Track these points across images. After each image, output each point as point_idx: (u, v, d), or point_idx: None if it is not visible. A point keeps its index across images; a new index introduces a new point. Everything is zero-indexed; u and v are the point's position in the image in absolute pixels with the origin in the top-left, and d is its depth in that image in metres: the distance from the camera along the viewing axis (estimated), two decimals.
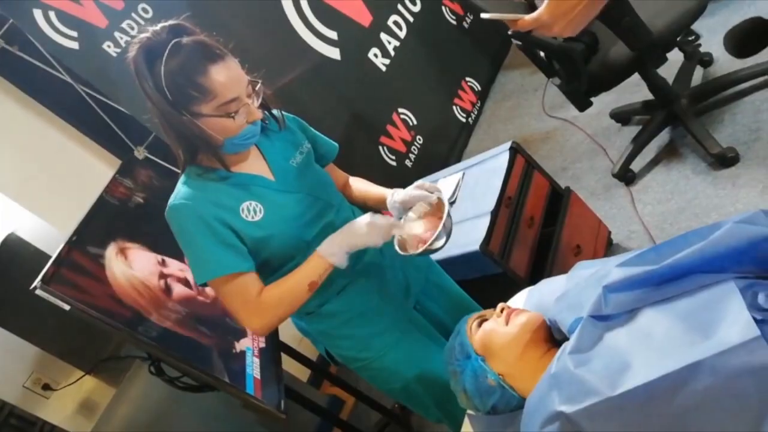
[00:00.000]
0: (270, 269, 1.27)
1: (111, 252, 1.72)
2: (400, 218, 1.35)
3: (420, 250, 1.23)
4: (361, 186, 1.54)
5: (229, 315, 1.22)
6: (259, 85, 1.19)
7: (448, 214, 1.25)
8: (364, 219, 1.24)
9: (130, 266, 1.74)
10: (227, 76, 1.13)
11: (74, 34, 2.08)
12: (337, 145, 1.50)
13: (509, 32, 1.83)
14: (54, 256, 1.42)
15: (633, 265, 0.90)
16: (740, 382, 0.71)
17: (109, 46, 2.15)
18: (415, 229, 1.28)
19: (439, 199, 1.30)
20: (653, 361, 0.78)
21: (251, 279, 1.20)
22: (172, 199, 1.21)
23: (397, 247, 1.27)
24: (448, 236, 1.27)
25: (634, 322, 0.86)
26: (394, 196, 1.39)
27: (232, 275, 1.18)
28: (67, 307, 1.20)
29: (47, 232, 2.35)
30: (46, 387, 2.29)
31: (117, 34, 2.18)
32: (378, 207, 1.44)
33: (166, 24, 1.14)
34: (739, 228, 0.82)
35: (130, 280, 1.62)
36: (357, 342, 1.38)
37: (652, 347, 0.80)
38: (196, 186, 1.21)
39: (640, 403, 0.76)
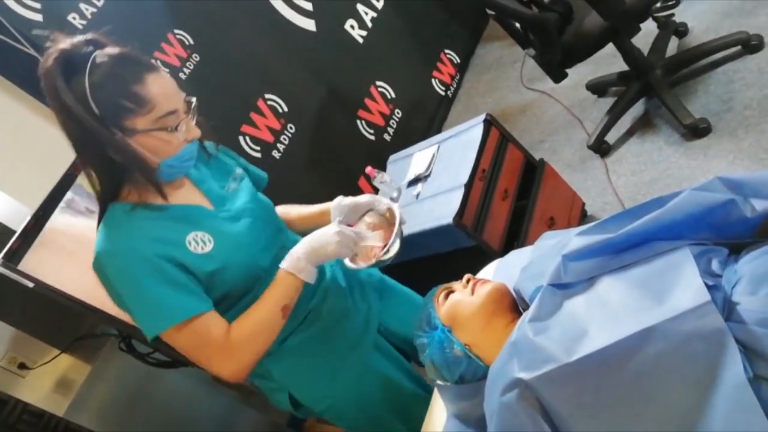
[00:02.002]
0: (227, 305, 1.14)
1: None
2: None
3: (372, 261, 1.18)
4: (293, 210, 1.42)
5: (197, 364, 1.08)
6: (194, 104, 1.09)
7: (400, 224, 1.20)
8: (331, 228, 1.14)
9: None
10: (164, 86, 1.03)
11: (37, 5, 2.03)
12: (266, 175, 1.39)
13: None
14: (18, 231, 1.40)
15: (592, 233, 0.90)
16: (691, 346, 0.72)
17: (74, 18, 2.09)
18: (370, 240, 1.21)
19: (390, 209, 1.25)
20: (608, 328, 0.79)
21: (213, 319, 1.06)
22: (101, 246, 1.04)
23: (347, 261, 1.21)
24: (401, 246, 1.21)
25: (592, 290, 0.86)
26: (341, 201, 1.30)
27: (190, 320, 1.03)
28: (30, 285, 1.18)
29: (16, 210, 2.30)
30: (22, 366, 2.26)
31: (82, 5, 2.12)
32: (320, 225, 1.27)
33: (84, 37, 1.02)
34: (696, 195, 0.83)
35: None
36: (323, 376, 1.27)
37: (608, 314, 0.81)
38: (125, 225, 1.05)
39: (594, 369, 0.77)
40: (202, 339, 1.05)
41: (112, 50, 1.02)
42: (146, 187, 1.09)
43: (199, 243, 1.08)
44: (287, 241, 1.25)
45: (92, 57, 0.99)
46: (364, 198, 1.28)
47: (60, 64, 0.97)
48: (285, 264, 1.12)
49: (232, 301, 1.14)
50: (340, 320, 1.29)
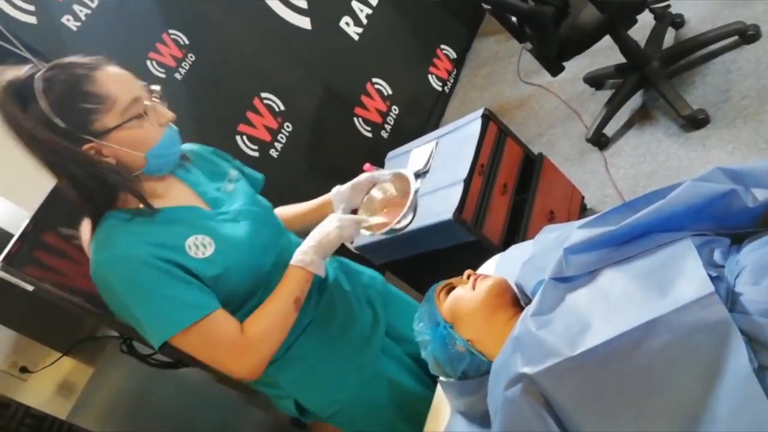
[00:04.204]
0: (231, 309, 1.09)
1: (86, 228, 1.69)
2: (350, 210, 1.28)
3: (385, 229, 1.19)
4: (291, 208, 1.41)
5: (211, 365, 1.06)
6: (158, 90, 1.06)
7: (415, 192, 1.20)
8: (332, 218, 1.15)
9: None
10: (116, 77, 1.01)
11: (31, 8, 2.02)
12: (262, 176, 1.37)
13: None
14: (17, 234, 1.39)
15: (594, 226, 0.90)
16: (695, 337, 0.72)
17: (68, 20, 2.08)
18: (374, 220, 1.22)
19: (402, 175, 1.24)
20: (611, 321, 0.78)
21: (224, 316, 1.04)
22: (100, 254, 1.00)
23: (364, 231, 1.20)
24: (414, 213, 1.22)
25: (594, 283, 0.86)
26: (340, 188, 1.29)
27: (200, 320, 1.00)
28: (30, 288, 1.17)
29: (16, 214, 2.30)
30: (24, 370, 2.27)
31: (76, 7, 2.11)
32: (323, 216, 1.28)
33: (18, 71, 0.99)
34: (697, 186, 0.82)
35: None
36: (330, 383, 1.24)
37: (610, 307, 0.81)
38: (123, 232, 1.02)
39: (598, 362, 0.77)
40: (217, 337, 1.02)
41: (47, 65, 0.99)
42: (162, 187, 1.08)
43: (200, 247, 1.05)
44: (289, 243, 1.24)
45: (37, 78, 0.97)
46: (362, 177, 1.26)
47: (11, 97, 0.95)
48: (294, 260, 1.12)
49: (235, 305, 1.12)
50: (346, 326, 1.27)
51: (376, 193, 1.29)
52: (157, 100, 1.06)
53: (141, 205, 1.05)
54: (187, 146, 1.22)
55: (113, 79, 1.00)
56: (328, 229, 1.14)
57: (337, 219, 1.15)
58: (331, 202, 1.30)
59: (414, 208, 1.22)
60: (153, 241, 1.02)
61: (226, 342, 1.02)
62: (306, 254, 1.11)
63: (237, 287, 1.10)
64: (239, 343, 1.03)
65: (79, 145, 0.97)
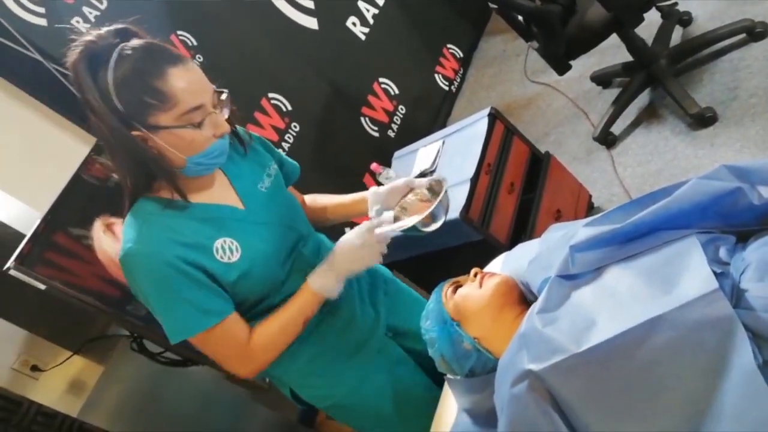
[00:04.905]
0: (241, 311, 1.12)
1: (98, 229, 1.71)
2: (385, 211, 1.24)
3: (411, 224, 1.13)
4: (327, 200, 1.39)
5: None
6: (225, 95, 1.04)
7: (445, 192, 1.17)
8: (354, 240, 1.11)
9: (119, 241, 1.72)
10: (189, 79, 0.98)
11: (41, 10, 2.03)
12: (298, 165, 1.38)
13: None
14: (29, 234, 1.41)
15: (599, 224, 0.90)
16: (700, 334, 0.72)
17: (78, 21, 2.10)
18: (399, 223, 1.17)
19: (439, 181, 1.20)
20: (617, 318, 0.79)
21: (236, 322, 1.08)
22: (127, 244, 1.01)
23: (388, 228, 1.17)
24: (446, 214, 1.19)
25: (600, 280, 0.86)
26: (377, 189, 1.27)
27: (217, 325, 1.04)
28: (42, 287, 1.19)
29: (28, 215, 2.33)
30: (35, 368, 2.28)
31: (86, 9, 2.13)
32: (356, 213, 1.30)
33: (112, 27, 0.99)
34: (702, 184, 0.82)
35: (106, 255, 1.61)
36: (329, 379, 1.26)
37: (616, 304, 0.81)
38: (155, 224, 1.03)
39: (604, 359, 0.77)
40: (227, 342, 1.07)
41: (137, 42, 0.99)
42: (200, 182, 1.08)
43: (227, 252, 1.06)
44: (305, 248, 1.23)
45: (117, 50, 0.96)
46: (400, 181, 1.25)
47: (85, 58, 0.95)
48: (314, 283, 1.12)
49: (246, 307, 1.14)
50: (346, 326, 1.27)
51: (411, 198, 1.27)
52: (218, 110, 1.03)
53: (174, 195, 1.05)
54: (240, 131, 1.20)
55: (185, 80, 0.98)
56: (352, 252, 1.11)
57: (361, 245, 1.10)
58: (366, 200, 1.29)
59: (445, 209, 1.19)
60: (183, 240, 1.03)
61: (233, 348, 1.08)
62: (324, 278, 1.12)
63: (251, 293, 1.12)
64: (245, 351, 1.08)
65: (128, 129, 0.97)
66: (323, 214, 1.37)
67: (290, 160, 1.36)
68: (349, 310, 1.28)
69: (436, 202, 1.14)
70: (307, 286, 1.13)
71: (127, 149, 0.99)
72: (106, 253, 1.58)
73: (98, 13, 2.16)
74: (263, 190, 1.18)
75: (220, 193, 1.13)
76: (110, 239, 1.64)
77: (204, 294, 1.03)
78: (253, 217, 1.13)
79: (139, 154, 0.99)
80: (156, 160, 1.01)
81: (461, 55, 3.38)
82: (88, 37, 0.97)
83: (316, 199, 1.40)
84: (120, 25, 1.01)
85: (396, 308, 1.39)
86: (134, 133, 0.98)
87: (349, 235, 1.12)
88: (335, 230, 1.47)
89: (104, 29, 0.99)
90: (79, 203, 1.70)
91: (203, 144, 1.02)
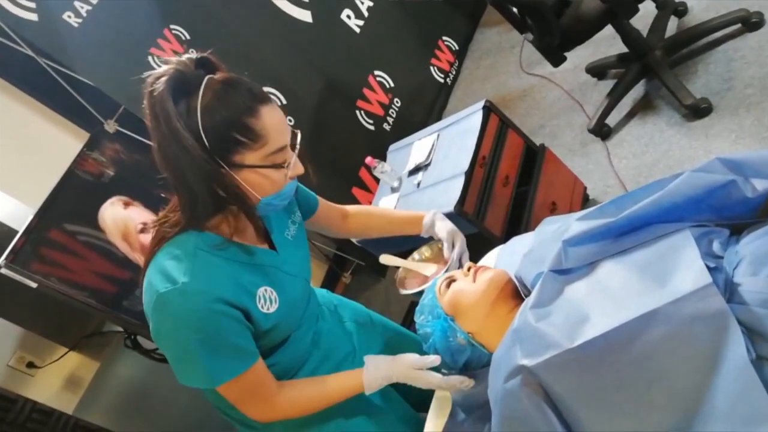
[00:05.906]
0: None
1: (116, 204, 1.70)
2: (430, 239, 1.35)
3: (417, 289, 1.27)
4: (375, 212, 1.37)
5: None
6: (299, 136, 1.00)
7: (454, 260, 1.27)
8: (417, 364, 1.07)
9: (127, 213, 1.71)
10: (277, 119, 0.94)
11: (32, 5, 2.02)
12: (316, 199, 1.32)
13: None
14: (21, 231, 1.40)
15: (592, 218, 0.90)
16: (694, 328, 0.72)
17: (69, 16, 2.08)
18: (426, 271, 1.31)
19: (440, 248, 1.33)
20: (610, 313, 0.78)
21: (263, 372, 1.03)
22: (178, 280, 0.92)
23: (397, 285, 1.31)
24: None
25: (593, 275, 0.86)
26: (435, 217, 1.30)
27: (248, 371, 1.00)
28: (33, 285, 1.18)
29: (22, 212, 2.32)
30: (31, 365, 2.29)
31: (77, 3, 2.11)
32: (405, 231, 1.30)
33: (192, 56, 0.95)
34: (696, 177, 0.82)
35: (116, 223, 1.60)
36: (302, 423, 1.18)
37: (609, 299, 0.81)
38: (206, 262, 0.96)
39: (597, 354, 0.77)
40: (254, 391, 1.03)
41: (224, 75, 0.95)
42: (243, 223, 1.02)
43: (267, 301, 1.03)
44: (312, 301, 1.21)
45: (204, 81, 0.92)
46: (450, 228, 1.31)
47: (171, 86, 0.89)
48: (365, 380, 1.09)
49: (261, 352, 1.08)
50: (322, 361, 1.22)
51: (426, 252, 1.40)
52: (295, 151, 1.00)
53: (233, 237, 1.00)
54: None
55: (273, 121, 0.94)
56: (409, 374, 1.09)
57: (408, 367, 1.08)
58: (420, 221, 1.32)
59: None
60: (234, 280, 0.98)
61: (259, 398, 1.04)
62: (376, 379, 1.09)
63: (268, 343, 1.09)
64: (267, 403, 1.05)
65: (213, 162, 0.91)
66: (355, 228, 1.36)
67: (307, 190, 1.30)
68: (336, 356, 1.24)
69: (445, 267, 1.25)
70: (360, 384, 1.09)
71: (207, 184, 0.92)
72: (105, 221, 1.56)
73: (90, 8, 2.14)
74: (289, 237, 1.15)
75: (258, 236, 1.08)
76: (129, 212, 1.62)
77: (246, 339, 1.00)
78: (286, 267, 1.10)
79: (222, 190, 0.94)
80: (240, 197, 0.95)
81: (456, 47, 3.36)
82: (170, 66, 0.92)
83: (361, 211, 1.39)
84: (201, 54, 0.97)
85: (373, 346, 1.34)
86: (213, 165, 0.92)
87: (414, 361, 1.08)
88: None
89: (185, 56, 0.94)
90: (73, 199, 1.69)
91: (279, 184, 0.98)
